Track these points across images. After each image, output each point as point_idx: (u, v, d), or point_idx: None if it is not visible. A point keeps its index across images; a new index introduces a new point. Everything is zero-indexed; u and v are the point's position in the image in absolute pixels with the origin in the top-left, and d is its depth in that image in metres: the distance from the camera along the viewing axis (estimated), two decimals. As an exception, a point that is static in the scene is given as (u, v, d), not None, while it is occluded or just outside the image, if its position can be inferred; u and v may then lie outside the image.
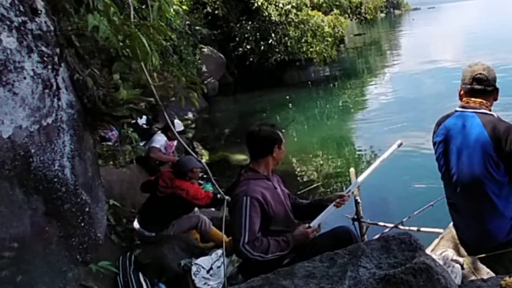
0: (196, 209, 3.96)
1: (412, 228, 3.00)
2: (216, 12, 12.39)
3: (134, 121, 5.15)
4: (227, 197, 4.06)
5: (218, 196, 3.61)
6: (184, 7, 9.09)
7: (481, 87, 2.18)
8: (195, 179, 3.92)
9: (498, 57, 12.66)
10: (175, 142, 5.23)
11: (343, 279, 1.30)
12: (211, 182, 4.48)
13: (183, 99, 4.53)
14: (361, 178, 2.77)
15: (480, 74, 2.17)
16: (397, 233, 1.48)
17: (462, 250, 2.32)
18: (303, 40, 13.18)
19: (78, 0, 2.32)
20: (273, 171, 2.50)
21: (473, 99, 2.20)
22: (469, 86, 2.20)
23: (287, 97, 11.92)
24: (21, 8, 1.75)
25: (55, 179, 1.94)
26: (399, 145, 2.71)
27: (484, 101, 2.18)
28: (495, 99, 2.24)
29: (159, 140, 4.99)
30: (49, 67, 1.91)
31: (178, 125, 5.13)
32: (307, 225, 2.40)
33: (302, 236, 2.34)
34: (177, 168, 3.85)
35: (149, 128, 5.90)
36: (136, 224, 3.69)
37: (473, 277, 2.05)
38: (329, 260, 1.43)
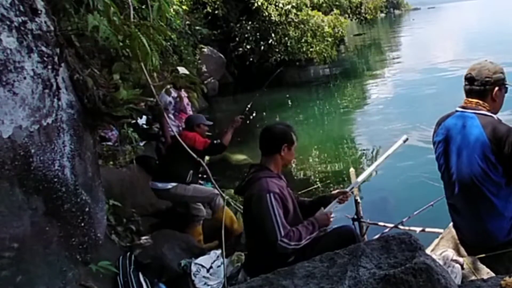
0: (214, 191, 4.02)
1: (412, 228, 3.00)
2: (216, 12, 12.38)
3: (134, 121, 5.13)
4: (226, 197, 4.10)
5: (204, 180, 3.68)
6: (184, 7, 9.09)
7: (469, 87, 2.17)
8: (201, 136, 4.03)
9: (497, 57, 12.65)
10: (186, 100, 4.85)
11: (343, 279, 1.30)
12: (211, 182, 4.48)
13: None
14: (364, 174, 2.81)
15: (469, 73, 2.16)
16: (397, 233, 1.48)
17: (462, 250, 2.32)
18: (303, 40, 13.16)
19: (78, 0, 2.32)
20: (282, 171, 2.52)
21: (469, 99, 2.19)
22: (464, 86, 2.22)
23: (287, 97, 11.92)
24: (21, 8, 1.75)
25: (55, 179, 1.94)
26: (405, 141, 2.73)
27: (480, 102, 2.15)
28: (494, 100, 2.16)
29: (164, 100, 4.64)
30: (49, 67, 1.91)
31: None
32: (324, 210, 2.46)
33: (324, 216, 2.40)
34: (185, 123, 4.09)
35: (149, 128, 5.89)
36: (151, 183, 3.89)
37: (473, 277, 2.05)
38: (329, 260, 1.43)
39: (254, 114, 4.62)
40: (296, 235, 2.23)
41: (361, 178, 2.88)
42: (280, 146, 2.39)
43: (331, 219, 2.43)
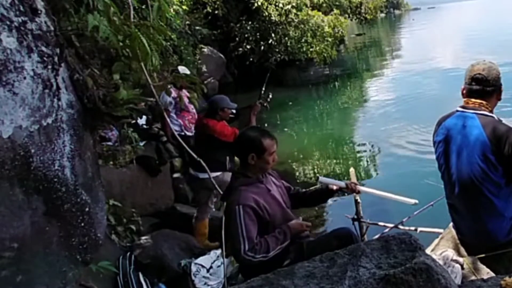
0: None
1: (412, 228, 3.00)
2: (216, 12, 12.36)
3: (134, 121, 5.13)
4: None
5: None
6: (184, 7, 9.08)
7: (480, 87, 2.13)
8: (226, 120, 3.94)
9: (498, 57, 12.65)
10: (186, 98, 4.68)
11: (343, 279, 1.30)
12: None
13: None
14: (367, 190, 2.89)
15: (479, 74, 2.13)
16: (397, 233, 1.48)
17: (462, 250, 2.32)
18: (303, 40, 13.14)
19: (78, 0, 2.32)
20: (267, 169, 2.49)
21: (472, 99, 2.17)
22: (468, 86, 2.19)
23: (287, 97, 11.91)
24: (21, 8, 1.75)
25: (55, 179, 1.94)
26: (413, 204, 2.72)
27: (484, 102, 2.15)
28: (498, 99, 2.19)
29: (165, 100, 4.57)
30: (49, 67, 1.91)
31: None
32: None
33: (298, 225, 2.37)
34: (208, 107, 3.98)
35: (149, 128, 5.89)
36: (190, 170, 3.91)
37: (473, 277, 2.05)
38: (329, 260, 1.43)
39: (271, 96, 4.49)
40: (264, 247, 2.20)
41: (365, 189, 2.92)
42: (247, 156, 2.33)
43: (307, 228, 2.40)
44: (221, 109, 3.88)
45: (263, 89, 4.52)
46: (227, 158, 3.84)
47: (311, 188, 2.73)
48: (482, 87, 2.13)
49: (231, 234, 2.26)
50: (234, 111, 4.21)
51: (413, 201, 2.68)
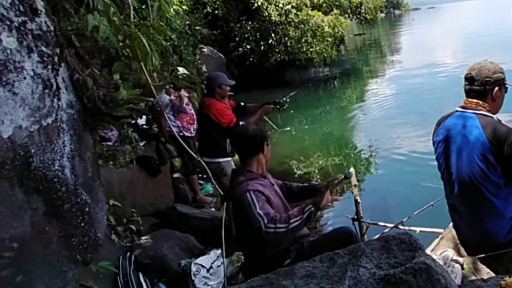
0: None
1: (412, 228, 3.00)
2: (216, 12, 12.36)
3: (134, 121, 5.13)
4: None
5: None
6: (184, 7, 9.07)
7: (469, 87, 2.17)
8: (225, 97, 3.82)
9: (497, 57, 12.64)
10: (185, 97, 4.57)
11: (343, 279, 1.30)
12: (211, 182, 4.47)
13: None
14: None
15: (469, 73, 2.16)
16: (397, 233, 1.48)
17: (462, 250, 2.32)
18: (303, 40, 13.14)
19: (78, 0, 2.32)
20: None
21: (469, 99, 2.19)
22: (464, 86, 2.22)
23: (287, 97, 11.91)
24: (21, 8, 1.76)
25: (55, 179, 1.94)
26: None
27: (480, 102, 2.15)
28: (494, 100, 2.16)
29: (164, 100, 4.43)
30: (49, 67, 1.91)
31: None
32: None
33: (322, 198, 2.29)
34: (206, 85, 3.79)
35: (149, 128, 5.89)
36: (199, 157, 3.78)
37: (473, 277, 2.05)
38: (329, 260, 1.43)
39: (286, 105, 4.35)
40: (284, 217, 2.18)
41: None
42: (262, 146, 2.43)
43: (330, 199, 2.32)
44: (218, 85, 3.76)
45: (284, 99, 4.36)
46: (227, 141, 3.70)
47: (300, 184, 2.73)
48: (471, 86, 2.16)
49: (244, 219, 2.22)
50: (241, 104, 4.16)
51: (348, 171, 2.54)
